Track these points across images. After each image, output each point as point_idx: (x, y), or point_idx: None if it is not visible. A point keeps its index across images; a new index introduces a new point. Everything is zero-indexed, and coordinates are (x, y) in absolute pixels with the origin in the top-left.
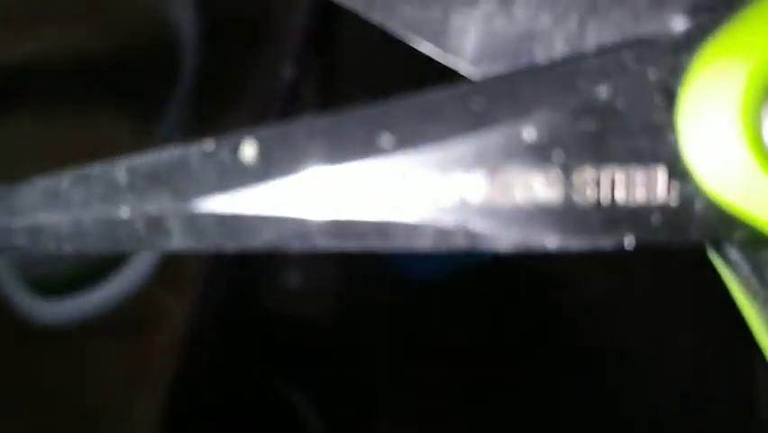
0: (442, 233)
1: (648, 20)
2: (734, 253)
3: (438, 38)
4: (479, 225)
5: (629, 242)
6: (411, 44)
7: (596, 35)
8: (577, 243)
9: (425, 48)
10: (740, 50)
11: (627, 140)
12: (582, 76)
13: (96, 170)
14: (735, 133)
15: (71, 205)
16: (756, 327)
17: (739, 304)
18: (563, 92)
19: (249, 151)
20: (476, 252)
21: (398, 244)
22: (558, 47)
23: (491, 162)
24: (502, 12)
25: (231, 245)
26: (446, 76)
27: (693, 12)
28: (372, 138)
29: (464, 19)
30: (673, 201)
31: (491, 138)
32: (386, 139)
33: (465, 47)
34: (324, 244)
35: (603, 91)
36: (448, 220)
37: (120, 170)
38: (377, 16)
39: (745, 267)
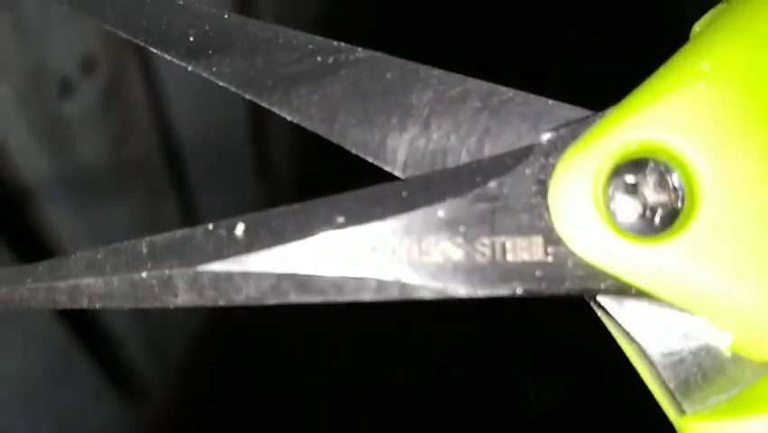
0: (381, 285)
1: (526, 136)
2: (605, 301)
3: (378, 153)
4: (408, 279)
5: (519, 290)
6: (361, 156)
7: (489, 149)
8: (481, 291)
9: (371, 159)
10: (587, 155)
11: (511, 217)
12: (478, 174)
13: (125, 244)
14: (589, 210)
15: (104, 271)
16: (637, 367)
17: (622, 348)
18: (465, 185)
19: (239, 230)
20: (406, 300)
21: (348, 296)
22: (463, 156)
23: (417, 233)
24: (423, 135)
25: (222, 302)
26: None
27: (558, 129)
28: (331, 217)
29: (396, 141)
30: (550, 260)
31: (416, 217)
32: (341, 219)
33: (397, 159)
34: (294, 299)
35: (493, 184)
36: (386, 275)
37: (143, 243)
38: (336, 139)
39: (615, 313)
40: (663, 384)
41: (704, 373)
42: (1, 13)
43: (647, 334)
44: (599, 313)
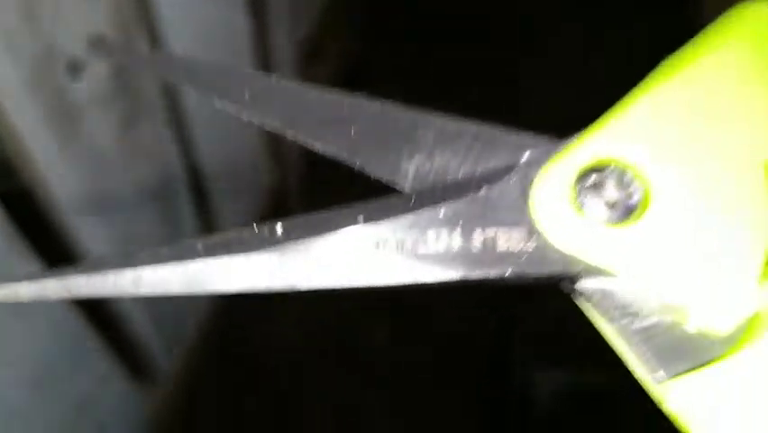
0: (393, 270)
1: (509, 159)
2: (580, 284)
3: (392, 175)
4: (419, 267)
5: (508, 273)
6: (374, 176)
7: (482, 166)
8: (476, 274)
9: (386, 180)
10: (561, 164)
11: (499, 215)
12: (473, 184)
13: (184, 242)
14: (563, 207)
15: (165, 262)
16: (613, 344)
17: (602, 332)
18: (462, 192)
19: (279, 228)
20: (418, 285)
21: (367, 280)
22: (460, 174)
23: (422, 228)
24: (428, 160)
25: (263, 285)
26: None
27: (533, 152)
28: (354, 217)
29: (407, 163)
30: (532, 249)
31: (422, 216)
32: (360, 217)
33: (408, 177)
34: (322, 283)
35: (484, 191)
36: (400, 263)
37: (199, 242)
38: (358, 167)
39: (590, 294)
40: (640, 359)
41: (674, 347)
42: None
43: (623, 316)
44: (581, 304)
